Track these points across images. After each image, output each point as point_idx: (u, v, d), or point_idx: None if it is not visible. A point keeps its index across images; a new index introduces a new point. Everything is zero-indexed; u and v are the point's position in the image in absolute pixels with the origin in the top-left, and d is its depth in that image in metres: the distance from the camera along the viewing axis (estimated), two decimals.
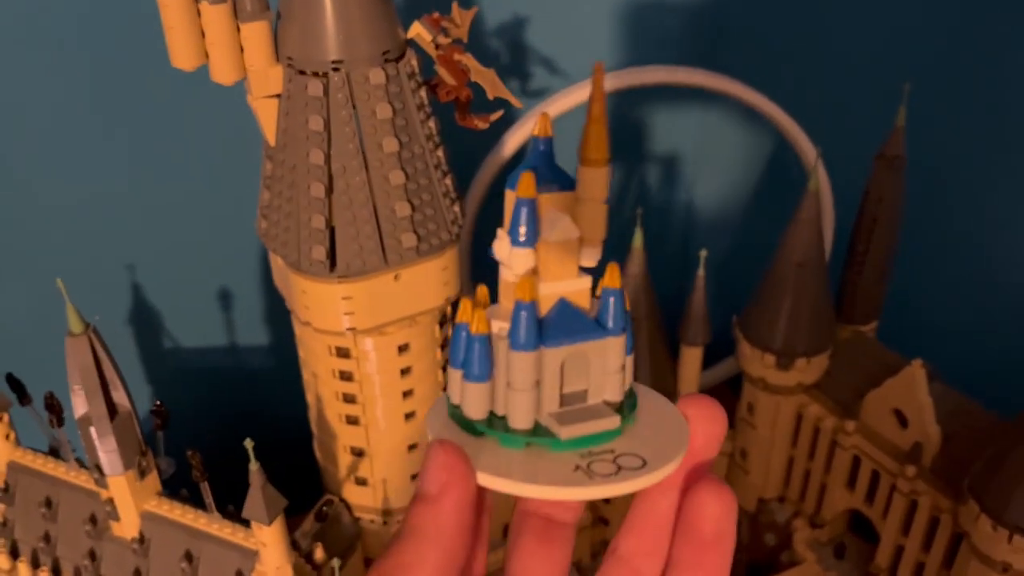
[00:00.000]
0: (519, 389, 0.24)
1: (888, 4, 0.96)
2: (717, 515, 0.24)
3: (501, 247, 0.25)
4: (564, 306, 0.25)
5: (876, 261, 0.96)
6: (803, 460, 1.00)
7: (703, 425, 0.25)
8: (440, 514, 0.23)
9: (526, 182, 0.24)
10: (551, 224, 0.24)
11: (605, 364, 0.25)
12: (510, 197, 0.24)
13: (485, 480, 0.23)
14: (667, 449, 0.24)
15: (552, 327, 0.24)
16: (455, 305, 0.79)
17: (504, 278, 0.25)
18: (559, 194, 0.25)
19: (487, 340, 0.24)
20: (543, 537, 0.26)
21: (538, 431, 0.24)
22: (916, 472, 0.86)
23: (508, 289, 0.25)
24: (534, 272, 0.24)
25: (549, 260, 0.24)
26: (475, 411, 0.25)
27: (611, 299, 0.24)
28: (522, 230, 0.24)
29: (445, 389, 0.26)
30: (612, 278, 0.24)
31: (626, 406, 0.25)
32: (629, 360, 0.25)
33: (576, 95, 1.01)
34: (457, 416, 0.25)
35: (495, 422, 0.25)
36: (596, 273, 0.25)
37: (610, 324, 0.25)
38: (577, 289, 0.25)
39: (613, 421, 0.24)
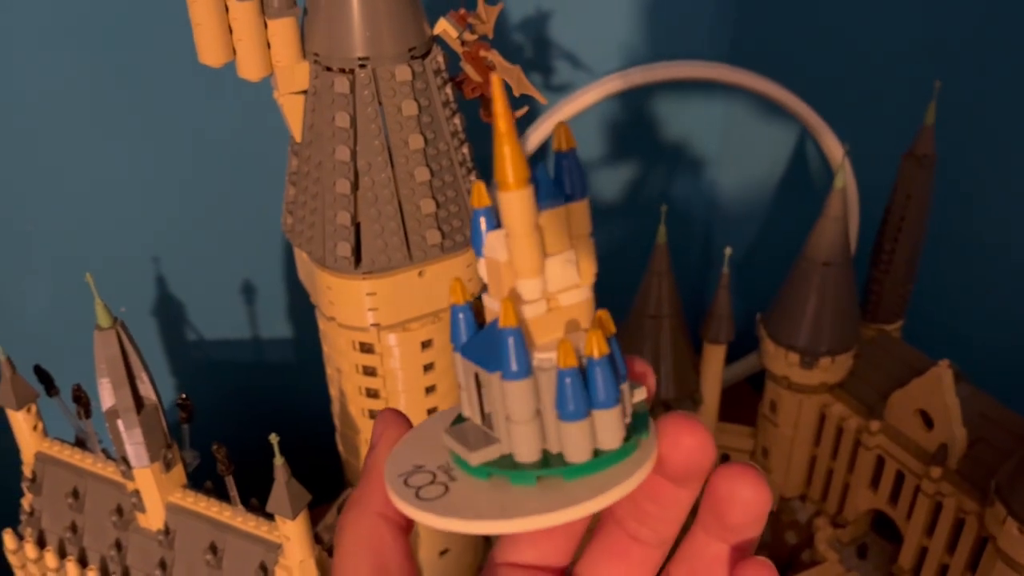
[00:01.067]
0: (460, 385, 0.24)
1: None
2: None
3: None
4: (494, 326, 0.22)
5: (903, 260, 0.95)
6: (826, 459, 0.99)
7: (741, 499, 0.23)
8: (371, 458, 0.25)
9: (477, 191, 0.23)
10: (488, 239, 0.22)
11: (507, 409, 0.22)
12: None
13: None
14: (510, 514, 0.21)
15: (474, 339, 0.23)
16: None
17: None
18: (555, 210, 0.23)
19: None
20: (621, 555, 0.26)
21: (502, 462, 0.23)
22: (941, 474, 0.85)
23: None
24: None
25: (487, 275, 0.23)
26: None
27: (508, 339, 0.22)
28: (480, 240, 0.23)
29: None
30: (508, 316, 0.22)
31: (532, 472, 0.22)
32: (600, 416, 0.22)
33: (597, 91, 1.01)
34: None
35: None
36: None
37: (510, 366, 0.22)
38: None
39: (467, 454, 0.22)
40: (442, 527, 0.21)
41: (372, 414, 0.79)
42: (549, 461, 0.22)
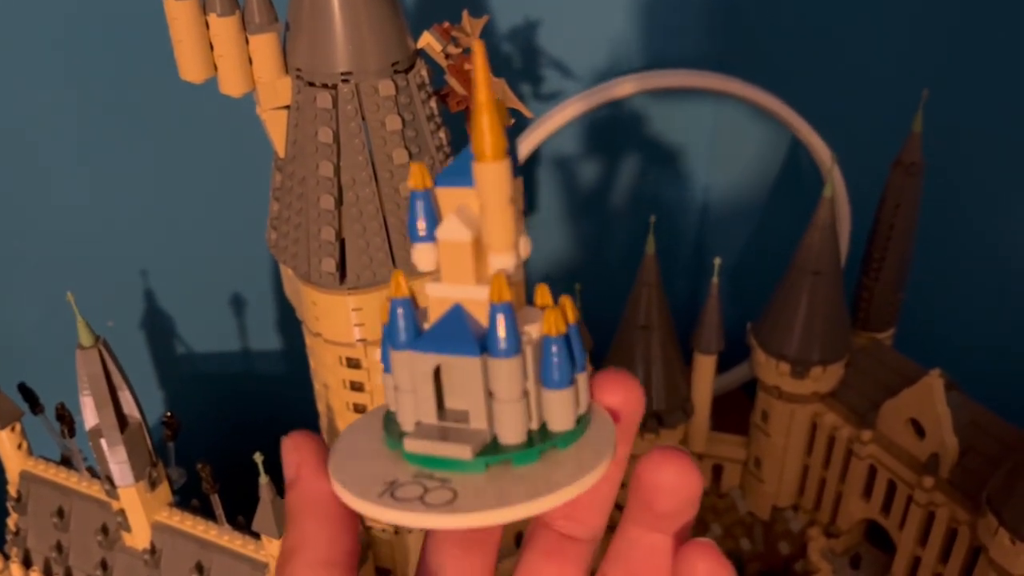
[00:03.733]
0: (398, 389, 0.23)
1: (906, 8, 0.95)
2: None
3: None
4: (455, 313, 0.22)
5: (893, 268, 0.94)
6: (818, 469, 0.99)
7: (668, 484, 0.22)
8: (298, 494, 0.23)
9: (416, 172, 0.22)
10: (444, 222, 0.22)
11: (495, 390, 0.22)
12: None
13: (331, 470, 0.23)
14: (504, 503, 0.21)
15: (431, 330, 0.22)
16: None
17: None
18: (463, 189, 0.22)
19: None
20: (554, 553, 0.25)
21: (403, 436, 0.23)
22: (933, 483, 0.85)
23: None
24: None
25: (441, 260, 0.22)
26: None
27: (498, 316, 0.21)
28: (419, 224, 0.23)
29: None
30: (501, 292, 0.21)
31: (529, 449, 0.22)
32: (551, 396, 0.22)
33: (585, 101, 1.01)
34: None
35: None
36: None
37: (499, 344, 0.21)
38: (474, 299, 0.22)
39: (463, 451, 0.22)
40: (488, 523, 0.21)
41: None
42: (532, 439, 0.22)
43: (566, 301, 0.22)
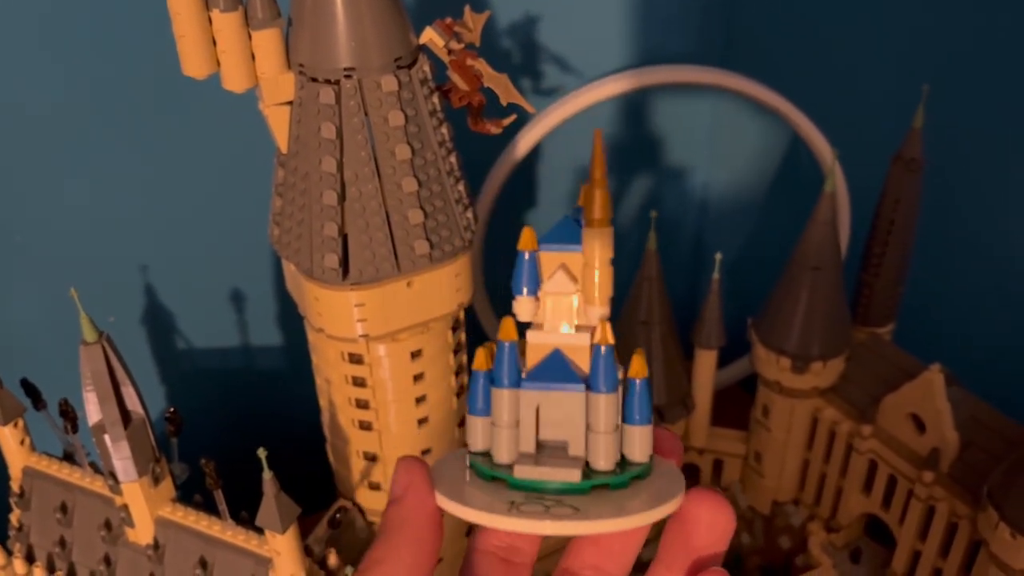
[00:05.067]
0: (497, 425, 0.26)
1: (907, 3, 0.95)
2: None
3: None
4: (555, 356, 0.26)
5: (893, 263, 0.95)
6: (818, 463, 0.99)
7: (707, 519, 0.25)
8: (403, 510, 0.25)
9: (527, 236, 0.26)
10: (550, 278, 0.26)
11: (593, 422, 0.25)
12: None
13: (439, 498, 0.25)
14: (624, 513, 0.24)
15: (534, 371, 0.26)
16: (468, 311, 0.79)
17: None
18: (563, 253, 0.26)
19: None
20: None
21: (502, 468, 0.26)
22: (934, 478, 0.85)
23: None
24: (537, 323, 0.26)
25: (549, 311, 0.26)
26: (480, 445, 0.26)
27: (602, 356, 0.25)
28: (524, 281, 0.26)
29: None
30: (606, 336, 0.25)
31: (622, 475, 0.25)
32: (635, 431, 0.26)
33: (587, 96, 1.01)
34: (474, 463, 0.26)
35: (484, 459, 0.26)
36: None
37: (599, 382, 0.25)
38: (574, 344, 0.26)
39: (572, 474, 0.25)
40: (614, 529, 0.24)
41: (362, 424, 0.79)
42: (618, 468, 0.26)
43: (641, 353, 0.26)
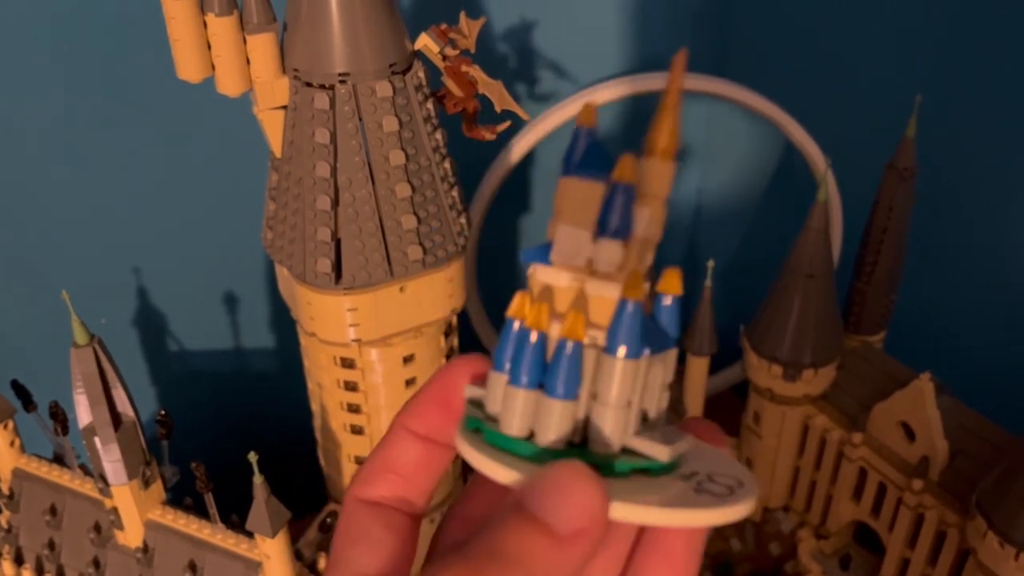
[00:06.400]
0: (615, 405, 0.21)
1: (900, 12, 0.95)
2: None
3: (572, 242, 0.21)
4: (635, 310, 0.21)
5: (885, 272, 0.95)
6: (809, 471, 0.99)
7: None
8: (567, 557, 0.20)
9: (625, 164, 0.21)
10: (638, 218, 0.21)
11: (663, 378, 0.22)
12: (571, 185, 0.21)
13: (621, 513, 0.20)
14: (732, 468, 0.22)
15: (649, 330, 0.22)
16: (460, 316, 0.79)
17: (552, 283, 0.21)
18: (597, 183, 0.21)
19: (580, 348, 0.21)
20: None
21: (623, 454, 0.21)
22: (923, 486, 0.85)
23: (562, 295, 0.21)
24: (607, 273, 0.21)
25: (630, 259, 0.21)
26: (549, 434, 0.21)
27: (676, 305, 0.22)
28: (615, 218, 0.21)
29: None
30: (674, 283, 0.22)
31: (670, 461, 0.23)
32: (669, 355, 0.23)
33: (581, 103, 1.01)
34: (495, 437, 0.21)
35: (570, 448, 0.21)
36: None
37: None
38: (610, 296, 0.21)
39: (688, 440, 0.22)
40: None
41: (354, 429, 0.79)
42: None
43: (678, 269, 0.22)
